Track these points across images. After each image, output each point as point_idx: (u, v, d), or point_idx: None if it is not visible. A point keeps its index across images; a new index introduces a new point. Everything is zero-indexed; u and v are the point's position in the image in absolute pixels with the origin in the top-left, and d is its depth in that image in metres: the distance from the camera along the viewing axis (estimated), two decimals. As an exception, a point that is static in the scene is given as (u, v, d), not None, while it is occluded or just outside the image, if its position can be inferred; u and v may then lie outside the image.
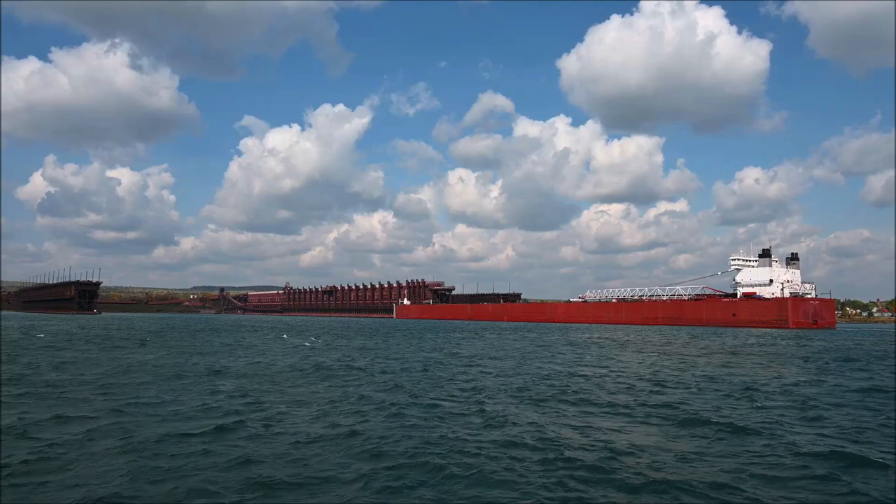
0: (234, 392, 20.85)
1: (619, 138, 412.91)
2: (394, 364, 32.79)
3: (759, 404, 19.33)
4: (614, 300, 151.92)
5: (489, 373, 28.76)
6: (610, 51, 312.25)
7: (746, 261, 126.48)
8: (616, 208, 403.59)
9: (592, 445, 13.48)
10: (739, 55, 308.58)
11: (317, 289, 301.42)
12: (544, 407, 18.65)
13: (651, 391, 22.40)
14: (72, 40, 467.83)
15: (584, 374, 28.42)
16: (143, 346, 43.97)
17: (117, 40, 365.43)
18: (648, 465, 11.91)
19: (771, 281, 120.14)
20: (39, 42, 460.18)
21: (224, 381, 23.79)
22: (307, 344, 51.14)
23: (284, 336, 64.74)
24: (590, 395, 21.27)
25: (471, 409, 18.05)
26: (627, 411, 17.98)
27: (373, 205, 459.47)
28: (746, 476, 11.32)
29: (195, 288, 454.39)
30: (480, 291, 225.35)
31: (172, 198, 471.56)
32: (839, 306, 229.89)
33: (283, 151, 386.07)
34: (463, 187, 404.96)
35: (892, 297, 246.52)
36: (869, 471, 11.71)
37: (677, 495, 10.15)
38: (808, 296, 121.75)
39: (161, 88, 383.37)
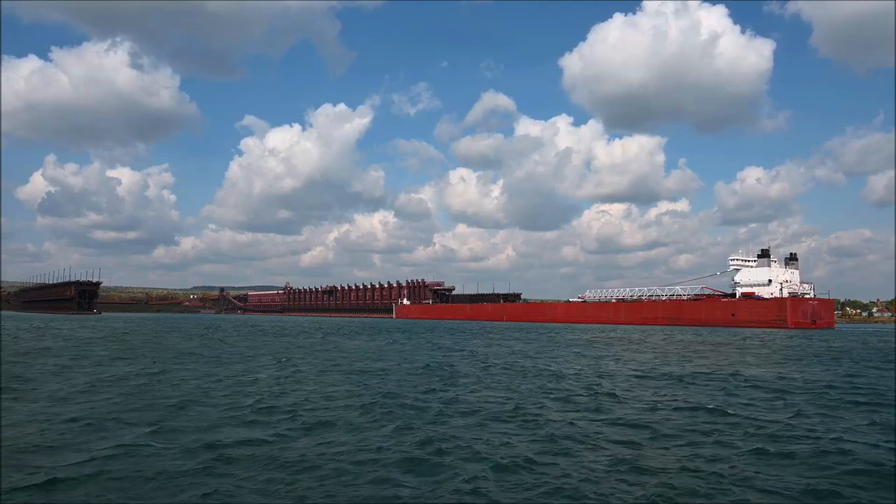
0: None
1: (621, 138, 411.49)
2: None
3: None
4: (614, 300, 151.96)
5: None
6: (612, 50, 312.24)
7: (745, 261, 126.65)
8: (617, 208, 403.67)
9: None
10: (742, 55, 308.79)
11: (317, 289, 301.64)
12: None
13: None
14: (72, 39, 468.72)
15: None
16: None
17: (118, 39, 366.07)
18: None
19: (770, 281, 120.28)
20: (40, 41, 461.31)
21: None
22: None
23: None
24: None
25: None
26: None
27: (373, 205, 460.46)
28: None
29: (195, 288, 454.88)
30: (480, 291, 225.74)
31: (173, 198, 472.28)
32: (839, 306, 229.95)
33: (283, 151, 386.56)
34: (464, 187, 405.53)
35: (893, 297, 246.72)
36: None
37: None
38: (807, 296, 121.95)
39: (162, 88, 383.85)
